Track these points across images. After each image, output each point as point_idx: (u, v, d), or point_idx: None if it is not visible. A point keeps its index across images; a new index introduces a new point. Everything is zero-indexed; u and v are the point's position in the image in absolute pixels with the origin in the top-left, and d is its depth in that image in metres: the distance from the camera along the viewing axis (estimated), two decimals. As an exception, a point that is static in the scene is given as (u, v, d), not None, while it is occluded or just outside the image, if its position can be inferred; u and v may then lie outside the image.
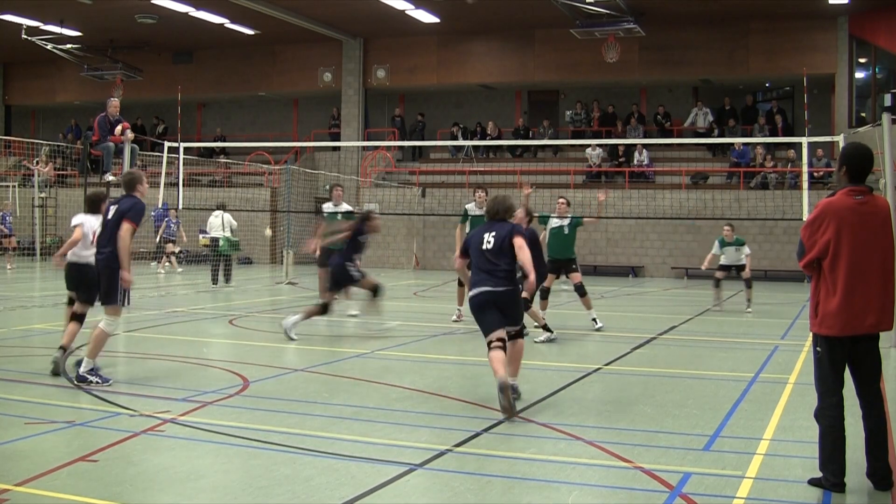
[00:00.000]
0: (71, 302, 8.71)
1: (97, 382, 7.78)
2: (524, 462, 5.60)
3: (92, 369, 7.87)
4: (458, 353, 10.40)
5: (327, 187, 29.56)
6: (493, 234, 7.29)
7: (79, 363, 7.98)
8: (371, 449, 5.82)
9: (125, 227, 7.90)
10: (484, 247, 7.27)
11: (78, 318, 8.52)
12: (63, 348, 8.32)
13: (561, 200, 12.80)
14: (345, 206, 14.37)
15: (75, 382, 7.82)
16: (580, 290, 12.34)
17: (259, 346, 10.37)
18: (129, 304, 13.72)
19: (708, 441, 6.20)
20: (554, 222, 12.66)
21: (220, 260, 18.97)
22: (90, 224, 8.71)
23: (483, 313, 7.15)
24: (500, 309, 7.12)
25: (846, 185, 5.13)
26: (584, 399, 7.78)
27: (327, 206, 14.29)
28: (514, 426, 6.56)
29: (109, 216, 8.14)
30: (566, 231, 12.51)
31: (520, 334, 7.39)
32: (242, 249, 20.33)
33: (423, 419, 6.80)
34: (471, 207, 12.73)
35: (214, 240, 18.98)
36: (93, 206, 8.90)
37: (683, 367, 9.61)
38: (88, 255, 8.49)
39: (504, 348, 7.00)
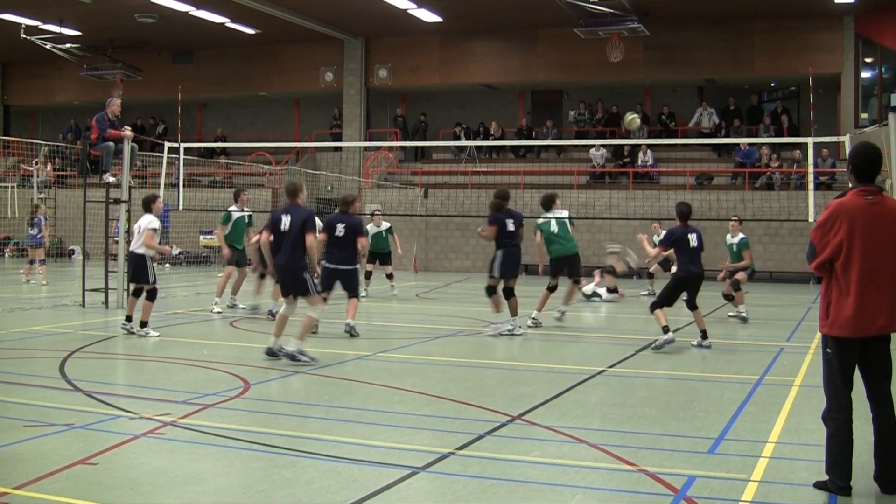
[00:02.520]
0: (136, 293, 11.38)
1: (306, 361, 9.03)
2: (527, 465, 5.55)
3: (301, 350, 9.11)
4: (461, 355, 10.34)
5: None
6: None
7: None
8: (373, 452, 5.77)
9: (310, 239, 9.18)
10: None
11: (135, 293, 11.38)
12: (128, 318, 11.26)
13: (734, 219, 14.26)
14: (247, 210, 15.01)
15: (284, 358, 9.07)
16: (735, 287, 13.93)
17: (260, 348, 10.30)
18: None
19: (713, 444, 6.15)
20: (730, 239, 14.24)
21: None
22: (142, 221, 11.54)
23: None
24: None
25: (855, 184, 5.09)
26: (587, 402, 7.73)
27: (233, 207, 14.79)
28: (518, 429, 6.51)
29: (285, 227, 9.20)
30: (735, 248, 14.05)
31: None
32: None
33: (426, 422, 6.76)
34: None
35: None
36: (146, 206, 11.50)
37: (688, 370, 9.56)
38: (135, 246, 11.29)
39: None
